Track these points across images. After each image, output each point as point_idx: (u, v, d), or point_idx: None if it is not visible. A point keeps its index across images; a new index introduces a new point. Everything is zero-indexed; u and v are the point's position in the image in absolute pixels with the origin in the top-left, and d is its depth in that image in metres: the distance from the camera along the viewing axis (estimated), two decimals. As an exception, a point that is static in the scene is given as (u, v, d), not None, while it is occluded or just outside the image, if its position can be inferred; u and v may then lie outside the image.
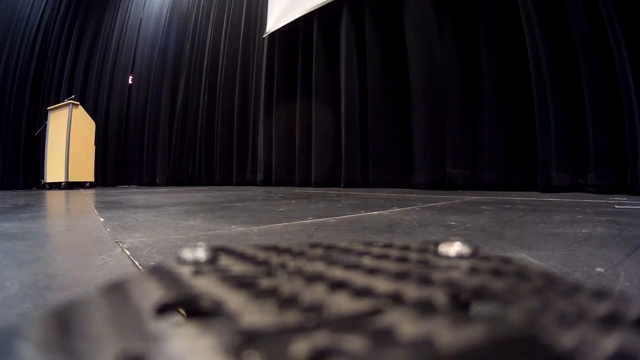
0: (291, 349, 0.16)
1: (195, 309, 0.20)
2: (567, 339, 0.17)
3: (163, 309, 0.19)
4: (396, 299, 0.20)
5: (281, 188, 4.03)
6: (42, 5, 7.97)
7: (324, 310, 0.19)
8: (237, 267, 0.25)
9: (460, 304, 0.21)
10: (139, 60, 8.17)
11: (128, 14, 8.28)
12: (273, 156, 4.75)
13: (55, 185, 5.65)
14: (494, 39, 3.30)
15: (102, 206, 2.92)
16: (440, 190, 3.42)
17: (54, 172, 5.78)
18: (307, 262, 0.26)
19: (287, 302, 0.19)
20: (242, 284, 0.22)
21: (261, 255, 0.27)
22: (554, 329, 0.18)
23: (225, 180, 5.60)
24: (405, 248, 0.28)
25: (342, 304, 0.20)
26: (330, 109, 3.95)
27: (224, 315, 0.19)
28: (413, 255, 0.27)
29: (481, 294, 0.22)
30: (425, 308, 0.20)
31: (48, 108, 6.08)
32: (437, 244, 0.28)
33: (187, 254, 0.26)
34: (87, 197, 4.20)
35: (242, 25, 5.65)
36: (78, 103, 5.64)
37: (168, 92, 7.31)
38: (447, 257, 0.26)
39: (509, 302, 0.21)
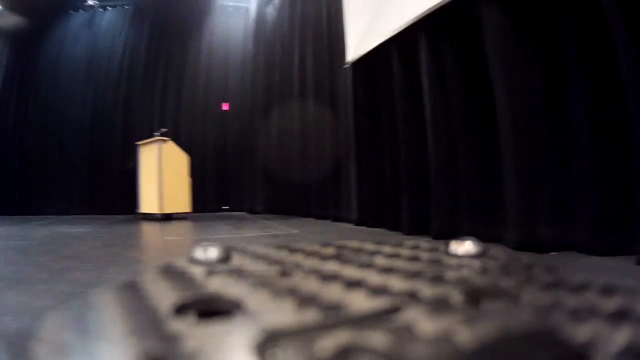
0: (315, 347, 0.15)
1: (214, 308, 0.19)
2: (580, 333, 0.17)
3: (181, 309, 0.19)
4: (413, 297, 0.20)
5: (376, 230, 3.94)
6: (123, 40, 8.24)
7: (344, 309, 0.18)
8: (253, 267, 0.25)
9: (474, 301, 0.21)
10: (232, 87, 8.14)
11: (211, 42, 8.31)
12: (363, 197, 4.45)
13: (150, 216, 5.88)
14: (585, 72, 2.84)
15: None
16: (533, 251, 2.92)
17: (148, 203, 5.95)
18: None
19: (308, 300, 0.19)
20: (261, 283, 0.22)
21: (275, 255, 0.27)
22: (566, 324, 0.18)
23: (320, 214, 5.54)
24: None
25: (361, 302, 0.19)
26: (418, 150, 3.72)
27: (244, 314, 0.18)
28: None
29: (493, 291, 0.22)
30: (441, 305, 0.19)
31: (137, 143, 6.17)
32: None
33: (201, 254, 0.25)
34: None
35: (327, 53, 5.42)
36: (168, 139, 5.72)
37: (261, 120, 7.15)
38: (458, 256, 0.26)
39: (520, 298, 0.21)
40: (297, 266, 0.25)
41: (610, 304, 0.21)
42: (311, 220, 5.36)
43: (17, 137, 8.27)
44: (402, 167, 3.91)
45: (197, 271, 0.25)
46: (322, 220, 5.17)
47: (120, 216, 7.06)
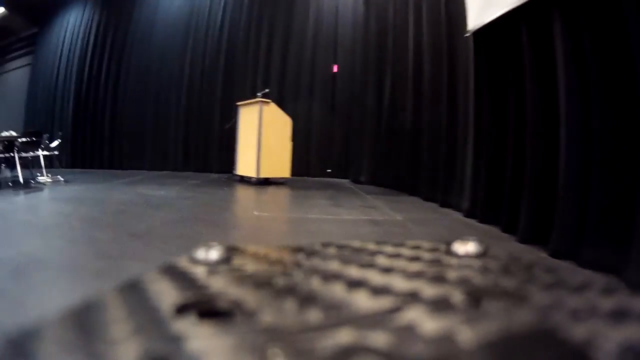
0: (316, 347, 0.16)
1: (216, 309, 0.20)
2: (580, 333, 0.17)
3: (182, 309, 0.19)
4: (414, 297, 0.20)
5: (487, 229, 3.44)
6: (223, 2, 8.06)
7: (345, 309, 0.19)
8: (253, 267, 0.25)
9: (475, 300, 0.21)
10: (341, 51, 7.64)
11: (320, 2, 7.80)
12: (478, 186, 3.96)
13: (246, 179, 5.78)
14: None
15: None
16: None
17: (245, 166, 5.76)
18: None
19: (308, 300, 0.19)
20: (260, 283, 0.22)
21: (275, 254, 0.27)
22: (567, 324, 0.18)
23: (429, 195, 5.06)
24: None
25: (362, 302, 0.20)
26: (547, 144, 3.09)
27: (246, 314, 0.19)
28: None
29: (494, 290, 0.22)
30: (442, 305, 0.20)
31: (237, 104, 6.00)
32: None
33: (202, 254, 0.26)
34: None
35: (443, 18, 4.88)
36: (269, 101, 5.46)
37: (374, 89, 6.61)
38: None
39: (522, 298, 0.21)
40: (299, 266, 0.25)
41: (611, 303, 0.21)
42: (417, 201, 5.02)
43: (113, 96, 8.58)
44: (527, 161, 3.33)
45: (199, 271, 0.25)
46: (429, 203, 4.82)
47: (215, 175, 7.15)
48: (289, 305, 0.20)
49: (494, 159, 3.85)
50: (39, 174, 5.40)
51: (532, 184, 3.24)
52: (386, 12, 6.57)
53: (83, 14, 9.00)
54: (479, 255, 0.28)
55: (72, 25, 9.15)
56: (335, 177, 7.40)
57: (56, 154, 6.04)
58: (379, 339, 0.16)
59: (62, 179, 5.43)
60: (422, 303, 0.21)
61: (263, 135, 5.37)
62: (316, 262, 0.27)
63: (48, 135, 6.25)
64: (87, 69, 8.61)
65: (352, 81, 7.44)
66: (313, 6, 7.69)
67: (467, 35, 4.02)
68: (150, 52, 8.26)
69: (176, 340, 0.17)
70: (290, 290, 0.22)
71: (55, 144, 6.00)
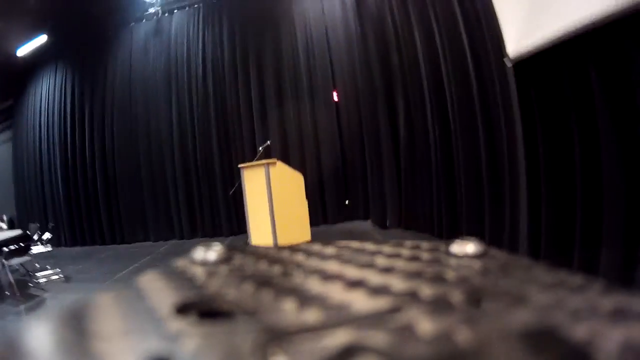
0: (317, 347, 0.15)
1: (215, 308, 0.19)
2: (580, 333, 0.17)
3: (182, 309, 0.19)
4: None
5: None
6: (201, 42, 7.51)
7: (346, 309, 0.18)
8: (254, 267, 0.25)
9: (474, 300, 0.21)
10: (339, 74, 7.00)
11: (308, 25, 7.19)
12: (540, 230, 3.40)
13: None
14: None
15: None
16: None
17: (259, 236, 5.15)
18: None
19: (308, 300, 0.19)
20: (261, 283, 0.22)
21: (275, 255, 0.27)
22: (567, 324, 0.18)
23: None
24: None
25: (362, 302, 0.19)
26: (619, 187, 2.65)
27: (245, 314, 0.18)
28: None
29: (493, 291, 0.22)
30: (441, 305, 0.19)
31: (239, 166, 5.39)
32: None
33: (202, 254, 0.25)
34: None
35: (465, 38, 4.33)
36: (275, 160, 4.94)
37: (385, 112, 6.00)
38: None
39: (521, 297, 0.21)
40: (299, 266, 0.25)
41: (611, 303, 0.21)
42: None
43: (102, 163, 8.04)
44: (605, 201, 2.78)
45: (198, 271, 0.25)
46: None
47: (227, 240, 6.63)
48: (289, 305, 0.20)
49: (554, 199, 3.35)
50: (35, 273, 5.02)
51: (613, 229, 2.66)
52: (384, 27, 5.94)
53: (55, 79, 8.70)
54: (477, 256, 0.28)
55: (45, 93, 8.87)
56: (355, 219, 6.80)
57: (49, 250, 5.54)
58: (378, 338, 0.16)
59: (61, 276, 5.03)
60: (421, 303, 0.21)
61: (275, 201, 4.94)
62: (316, 262, 0.27)
63: (38, 225, 5.91)
64: (69, 137, 8.33)
65: (358, 109, 6.89)
66: (300, 30, 7.19)
67: (509, 63, 3.52)
68: (133, 111, 7.85)
69: (175, 339, 0.17)
70: (290, 290, 0.22)
71: (46, 238, 5.56)
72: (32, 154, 9.15)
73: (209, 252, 0.27)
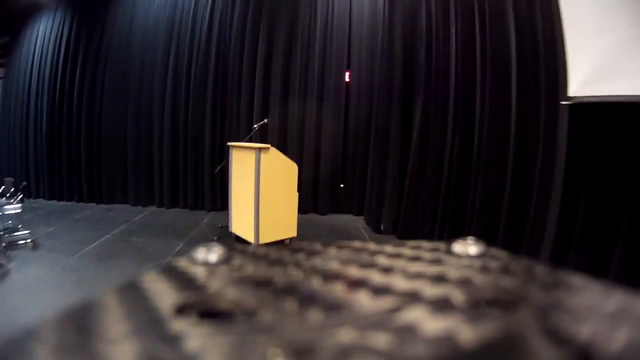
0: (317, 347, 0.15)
1: (216, 309, 0.19)
2: (580, 333, 0.17)
3: (182, 309, 0.19)
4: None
5: None
6: (210, 3, 6.84)
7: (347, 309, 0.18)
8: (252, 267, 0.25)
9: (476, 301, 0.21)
10: (356, 59, 6.48)
11: (332, 6, 6.55)
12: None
13: (243, 242, 4.71)
14: None
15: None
16: None
17: (241, 226, 4.76)
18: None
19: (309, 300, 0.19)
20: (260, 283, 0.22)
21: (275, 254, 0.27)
22: (567, 324, 0.18)
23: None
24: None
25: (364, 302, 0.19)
26: None
27: (246, 315, 0.18)
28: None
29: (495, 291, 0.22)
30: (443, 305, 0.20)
31: (228, 144, 4.94)
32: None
33: (202, 254, 0.25)
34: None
35: (514, 56, 4.00)
36: (269, 146, 4.47)
37: (399, 109, 5.44)
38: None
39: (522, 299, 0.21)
40: (299, 266, 0.25)
41: (611, 303, 0.21)
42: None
43: (88, 118, 7.53)
44: None
45: (199, 271, 0.25)
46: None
47: (206, 219, 6.22)
48: (289, 305, 0.20)
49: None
50: (4, 234, 4.66)
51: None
52: (415, 17, 5.33)
53: (53, 21, 8.15)
54: (479, 256, 0.28)
55: (41, 36, 8.36)
56: (348, 212, 6.50)
57: (19, 212, 5.08)
58: (380, 339, 0.16)
59: (29, 241, 4.69)
60: (422, 303, 0.21)
61: (262, 192, 4.49)
62: (316, 261, 0.27)
63: (12, 180, 5.39)
64: (58, 87, 7.89)
65: (370, 99, 6.41)
66: (322, 4, 6.57)
67: (566, 100, 3.37)
68: (127, 66, 7.31)
69: (175, 340, 0.16)
70: (290, 290, 0.22)
71: (16, 206, 5.08)
72: (20, 102, 8.82)
73: (209, 252, 0.27)
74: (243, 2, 6.73)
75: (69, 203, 7.46)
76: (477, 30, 4.46)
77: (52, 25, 8.23)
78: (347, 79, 6.56)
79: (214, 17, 6.86)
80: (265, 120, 5.34)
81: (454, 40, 4.72)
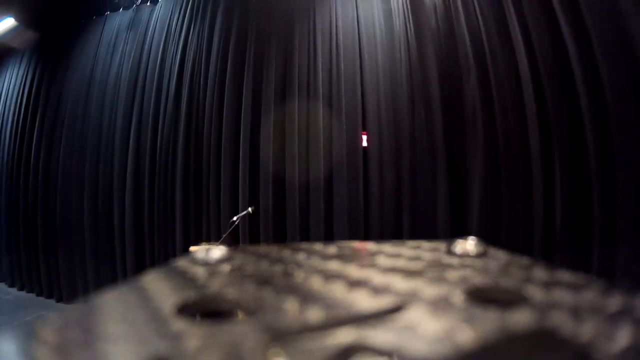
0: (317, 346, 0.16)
1: (217, 308, 0.19)
2: (580, 333, 0.17)
3: (184, 309, 0.19)
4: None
5: None
6: (181, 43, 4.91)
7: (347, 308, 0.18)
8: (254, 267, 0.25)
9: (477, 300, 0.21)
10: (372, 110, 3.99)
11: (334, 33, 4.26)
12: None
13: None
14: None
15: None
16: None
17: None
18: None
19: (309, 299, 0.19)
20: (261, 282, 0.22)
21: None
22: (567, 324, 0.18)
23: None
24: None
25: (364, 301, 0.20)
26: None
27: (246, 314, 0.18)
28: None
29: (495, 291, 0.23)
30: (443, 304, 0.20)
31: (190, 249, 3.09)
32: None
33: (203, 254, 0.25)
34: None
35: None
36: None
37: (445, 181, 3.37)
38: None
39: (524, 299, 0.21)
40: (300, 265, 0.25)
41: (611, 303, 0.21)
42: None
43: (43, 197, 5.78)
44: None
45: (200, 271, 0.25)
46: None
47: None
48: (290, 305, 0.20)
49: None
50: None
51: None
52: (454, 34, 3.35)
53: (19, 70, 6.82)
54: (478, 256, 0.28)
55: (7, 85, 7.01)
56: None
57: None
58: (380, 338, 0.16)
59: None
60: (422, 303, 0.21)
61: None
62: (317, 261, 0.27)
63: None
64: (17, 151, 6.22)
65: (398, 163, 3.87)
66: (323, 39, 4.19)
67: None
68: (85, 127, 5.35)
69: (177, 339, 0.16)
70: (290, 290, 0.22)
71: None
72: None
73: (210, 252, 0.27)
74: (222, 45, 4.64)
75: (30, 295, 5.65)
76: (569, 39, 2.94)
77: (17, 74, 6.81)
78: (364, 142, 3.96)
79: (185, 69, 4.74)
80: (250, 209, 3.73)
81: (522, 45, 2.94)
